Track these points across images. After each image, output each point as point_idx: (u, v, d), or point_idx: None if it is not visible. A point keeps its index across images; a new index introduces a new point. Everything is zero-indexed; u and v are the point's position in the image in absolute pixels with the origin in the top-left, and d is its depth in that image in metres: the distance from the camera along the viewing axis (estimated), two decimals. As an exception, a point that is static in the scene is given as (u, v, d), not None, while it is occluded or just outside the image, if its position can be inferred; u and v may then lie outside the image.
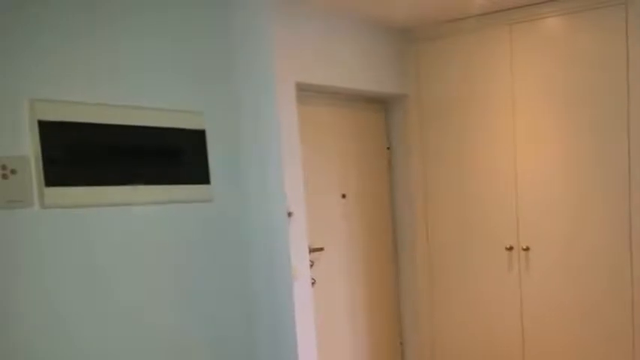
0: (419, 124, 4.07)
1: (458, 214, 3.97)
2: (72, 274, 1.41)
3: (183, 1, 1.66)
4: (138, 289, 1.54)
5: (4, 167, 1.31)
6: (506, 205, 3.78)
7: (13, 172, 1.33)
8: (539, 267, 3.71)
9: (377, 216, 4.11)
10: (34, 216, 1.36)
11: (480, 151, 3.86)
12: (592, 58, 3.44)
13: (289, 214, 3.07)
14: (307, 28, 3.37)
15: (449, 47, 3.89)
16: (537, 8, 3.55)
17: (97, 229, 1.47)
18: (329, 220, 3.76)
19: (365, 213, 4.00)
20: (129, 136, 1.54)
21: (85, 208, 1.44)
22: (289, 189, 2.21)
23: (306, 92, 3.49)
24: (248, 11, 1.82)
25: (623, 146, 3.39)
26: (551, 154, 3.62)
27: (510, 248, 3.78)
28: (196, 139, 1.67)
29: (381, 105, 4.15)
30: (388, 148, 4.19)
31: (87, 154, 1.46)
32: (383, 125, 4.17)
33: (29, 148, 1.36)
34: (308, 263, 3.46)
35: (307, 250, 3.45)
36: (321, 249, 3.66)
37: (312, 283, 3.52)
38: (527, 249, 3.73)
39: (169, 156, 1.64)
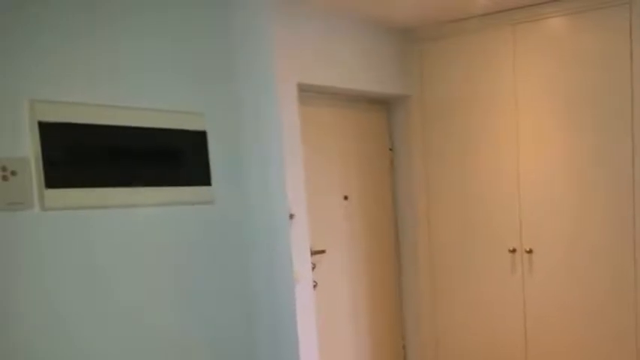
0: (421, 124, 4.06)
1: (461, 215, 3.95)
2: (72, 276, 1.41)
3: (183, 1, 1.65)
4: (138, 290, 1.53)
5: (4, 169, 1.31)
6: (509, 206, 3.76)
7: (13, 173, 1.32)
8: (542, 269, 3.70)
9: (379, 217, 4.09)
10: (34, 218, 1.35)
11: (482, 151, 3.84)
12: (595, 58, 3.43)
13: (291, 216, 3.05)
14: (308, 28, 3.37)
15: (451, 47, 3.88)
16: (540, 8, 3.54)
17: (98, 230, 1.46)
18: (331, 221, 3.75)
19: (367, 214, 3.98)
20: (129, 138, 1.53)
21: (85, 209, 1.44)
22: (291, 191, 2.20)
23: (308, 93, 3.48)
24: (248, 11, 1.81)
25: (626, 147, 3.38)
26: (555, 154, 3.61)
27: (513, 250, 3.77)
28: (197, 140, 1.67)
29: (383, 106, 4.14)
30: (390, 149, 4.18)
31: (87, 155, 1.46)
32: (385, 126, 4.16)
33: (29, 149, 1.35)
34: (310, 266, 3.45)
35: (309, 253, 3.44)
36: (323, 251, 3.65)
37: (314, 286, 3.51)
38: (530, 251, 3.71)
39: (170, 157, 1.63)
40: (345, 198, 3.84)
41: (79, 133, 1.43)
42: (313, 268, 3.50)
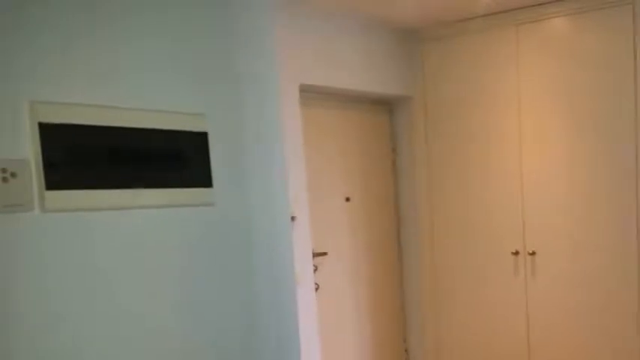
0: (424, 125, 4.05)
1: (463, 217, 3.94)
2: (73, 278, 1.40)
3: (183, 1, 1.64)
4: (139, 293, 1.52)
5: (4, 170, 1.30)
6: (512, 208, 3.75)
7: (13, 175, 1.31)
8: (545, 272, 3.68)
9: (381, 219, 4.08)
10: (34, 220, 1.34)
11: (485, 152, 3.83)
12: (599, 58, 3.42)
13: (292, 218, 3.04)
14: (309, 28, 3.36)
15: (455, 48, 3.87)
16: (544, 8, 3.53)
17: (98, 232, 1.45)
18: (333, 223, 3.74)
19: (369, 216, 3.97)
20: (130, 139, 1.52)
21: (85, 211, 1.43)
22: (292, 192, 2.19)
23: (310, 94, 3.47)
24: (250, 11, 1.81)
25: (630, 147, 3.36)
26: (558, 155, 3.59)
27: (516, 253, 3.75)
28: (198, 141, 1.65)
29: (385, 107, 4.12)
30: (393, 151, 4.16)
31: (88, 156, 1.45)
32: (387, 127, 4.15)
33: (29, 150, 1.34)
34: (311, 268, 3.43)
35: (311, 255, 3.43)
36: (325, 253, 3.63)
37: (316, 288, 3.49)
38: (533, 253, 3.69)
39: (171, 159, 1.62)
40: (347, 200, 3.83)
41: (79, 134, 1.42)
42: (315, 270, 3.49)
